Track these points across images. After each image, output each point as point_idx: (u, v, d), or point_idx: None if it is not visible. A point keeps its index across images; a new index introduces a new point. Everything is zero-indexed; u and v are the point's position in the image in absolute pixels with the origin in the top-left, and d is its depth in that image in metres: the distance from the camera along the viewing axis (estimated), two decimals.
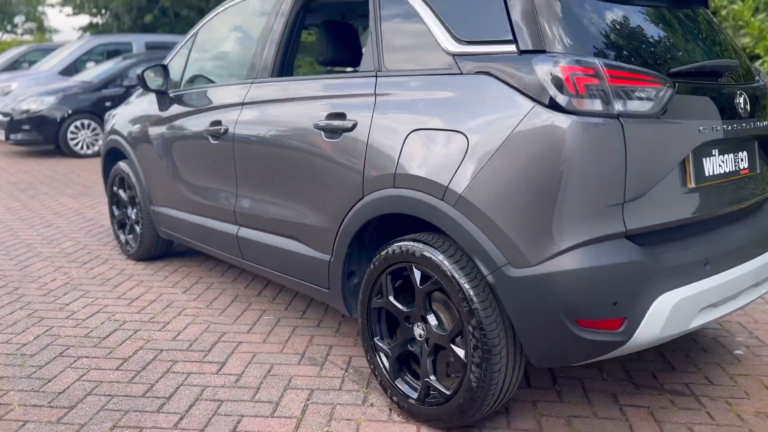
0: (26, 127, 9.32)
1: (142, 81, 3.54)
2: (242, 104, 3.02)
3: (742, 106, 2.24)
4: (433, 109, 2.13)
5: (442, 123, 2.08)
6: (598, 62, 1.88)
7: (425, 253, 2.13)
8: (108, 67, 10.11)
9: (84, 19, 25.65)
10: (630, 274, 1.89)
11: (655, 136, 1.94)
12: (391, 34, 2.38)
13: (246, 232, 3.08)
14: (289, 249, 2.80)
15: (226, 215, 3.19)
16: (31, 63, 14.61)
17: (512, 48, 1.99)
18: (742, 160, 2.30)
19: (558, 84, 1.87)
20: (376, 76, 2.38)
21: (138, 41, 12.51)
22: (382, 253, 2.31)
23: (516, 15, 2.00)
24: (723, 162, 2.20)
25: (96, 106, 9.54)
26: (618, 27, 2.14)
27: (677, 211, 2.04)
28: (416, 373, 2.36)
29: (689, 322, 2.01)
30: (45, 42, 29.37)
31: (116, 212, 4.46)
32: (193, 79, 3.72)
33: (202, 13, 21.76)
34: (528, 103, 1.91)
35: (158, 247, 4.21)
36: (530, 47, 1.96)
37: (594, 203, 1.88)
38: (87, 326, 3.20)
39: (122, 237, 4.42)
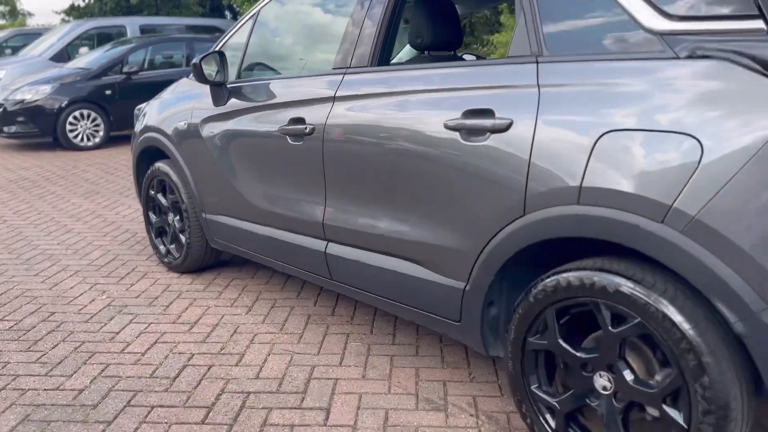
0: (21, 118, 8.69)
1: (199, 72, 3.02)
2: (333, 98, 2.54)
3: None
4: (638, 104, 1.67)
5: (655, 122, 1.62)
6: None
7: (624, 290, 1.68)
8: (106, 52, 9.48)
9: (63, 2, 24.66)
10: None
11: None
12: (557, 6, 1.91)
13: (338, 249, 2.61)
14: (403, 272, 2.34)
15: (311, 228, 2.72)
16: (14, 49, 13.86)
17: (760, 25, 1.53)
18: None
19: None
20: (537, 62, 1.91)
21: (132, 24, 11.89)
22: (548, 283, 1.86)
23: None
24: None
25: (95, 94, 8.94)
26: None
27: None
28: (584, 427, 1.93)
29: None
30: (20, 26, 28.32)
31: (153, 218, 3.96)
32: (252, 68, 3.22)
33: None
34: None
35: (207, 259, 3.73)
36: None
37: None
38: (149, 362, 2.73)
39: (162, 247, 3.93)
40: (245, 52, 3.16)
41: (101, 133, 8.99)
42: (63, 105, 8.72)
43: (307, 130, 2.61)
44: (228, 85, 3.15)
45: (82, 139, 8.88)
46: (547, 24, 1.93)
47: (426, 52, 2.78)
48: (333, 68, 2.63)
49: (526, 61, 1.95)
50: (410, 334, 2.94)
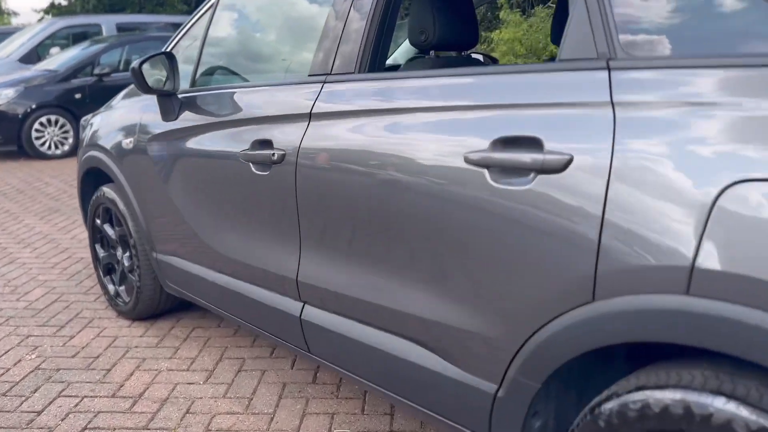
0: None
1: (139, 79, 2.36)
2: (309, 116, 1.89)
3: None
4: None
5: None
6: None
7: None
8: (76, 53, 8.80)
9: (44, 0, 23.91)
10: None
11: None
12: None
13: (318, 316, 1.96)
14: (406, 358, 1.69)
15: (282, 285, 2.07)
16: None
17: None
18: None
19: None
20: (608, 68, 1.27)
21: (108, 23, 11.17)
22: (630, 404, 1.21)
23: None
24: None
25: (63, 98, 8.26)
26: None
27: None
28: None
29: None
30: (5, 26, 27.49)
31: (101, 253, 3.30)
32: (210, 74, 2.56)
33: None
34: None
35: (162, 304, 3.07)
36: None
37: None
38: None
39: (111, 287, 3.26)
40: (201, 53, 2.50)
41: (70, 141, 8.29)
42: (28, 110, 8.03)
43: (275, 157, 1.95)
44: (179, 95, 2.49)
45: (49, 147, 8.19)
46: (622, 9, 1.28)
47: (431, 53, 2.13)
48: (309, 75, 1.97)
49: (590, 67, 1.30)
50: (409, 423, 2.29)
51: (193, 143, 2.37)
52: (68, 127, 8.26)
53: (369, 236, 1.71)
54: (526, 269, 1.35)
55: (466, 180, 1.44)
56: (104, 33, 10.92)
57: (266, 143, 2.01)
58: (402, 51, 3.40)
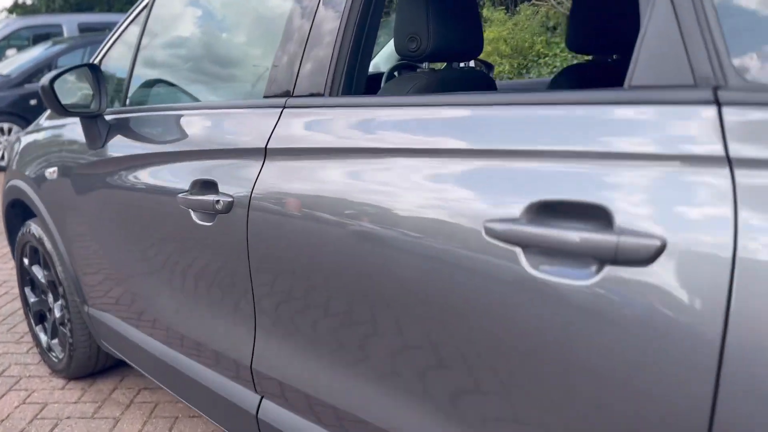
0: None
1: (49, 98, 1.85)
2: (264, 152, 1.40)
3: None
4: None
5: None
6: None
7: None
8: (31, 56, 8.20)
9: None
10: None
11: None
12: None
13: (279, 416, 1.48)
14: None
15: (234, 370, 1.58)
16: None
17: None
18: None
19: None
20: (717, 102, 0.80)
21: (69, 22, 10.51)
22: None
23: None
24: None
25: (17, 105, 7.66)
26: None
27: None
28: None
29: None
30: None
31: (31, 298, 2.78)
32: (148, 88, 2.07)
33: None
34: None
35: (99, 362, 2.57)
36: None
37: None
38: None
39: (43, 337, 2.75)
40: (133, 65, 2.00)
41: None
42: None
43: (220, 206, 1.47)
44: (107, 117, 1.99)
45: (2, 158, 7.58)
46: (732, 7, 0.82)
47: (425, 65, 1.66)
48: (265, 96, 1.49)
49: (685, 100, 0.83)
50: None
51: (121, 178, 1.87)
52: None
53: (343, 319, 1.24)
54: (585, 398, 0.89)
55: (489, 261, 0.97)
56: (65, 33, 10.29)
57: (209, 185, 1.52)
58: (385, 56, 2.93)
